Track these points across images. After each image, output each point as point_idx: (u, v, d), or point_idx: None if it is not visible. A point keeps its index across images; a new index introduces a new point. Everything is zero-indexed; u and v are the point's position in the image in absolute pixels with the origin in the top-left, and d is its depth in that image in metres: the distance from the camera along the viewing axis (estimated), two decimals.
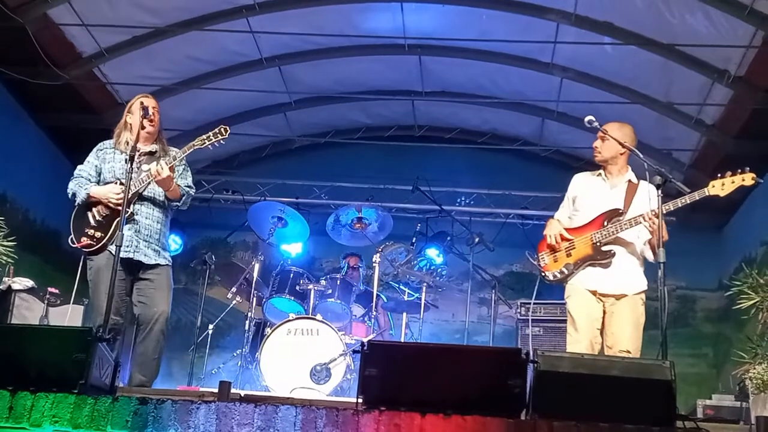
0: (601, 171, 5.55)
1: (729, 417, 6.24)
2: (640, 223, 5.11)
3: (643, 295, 5.27)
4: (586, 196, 5.50)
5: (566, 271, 5.31)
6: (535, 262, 5.47)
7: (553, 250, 5.38)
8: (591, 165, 5.73)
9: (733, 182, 5.04)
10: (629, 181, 5.45)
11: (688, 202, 5.00)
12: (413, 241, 8.46)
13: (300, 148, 11.08)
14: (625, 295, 5.21)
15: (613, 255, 5.23)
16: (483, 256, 8.84)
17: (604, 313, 5.24)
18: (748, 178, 5.04)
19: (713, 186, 5.05)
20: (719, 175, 5.08)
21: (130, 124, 5.59)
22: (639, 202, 5.35)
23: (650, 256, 5.28)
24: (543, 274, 5.42)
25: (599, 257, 5.24)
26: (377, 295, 7.70)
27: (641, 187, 5.41)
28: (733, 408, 6.51)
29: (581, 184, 5.60)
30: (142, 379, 5.31)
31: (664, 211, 4.83)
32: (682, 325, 10.06)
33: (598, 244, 5.24)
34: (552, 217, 5.67)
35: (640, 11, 7.66)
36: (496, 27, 8.36)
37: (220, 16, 8.29)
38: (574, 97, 8.86)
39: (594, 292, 5.24)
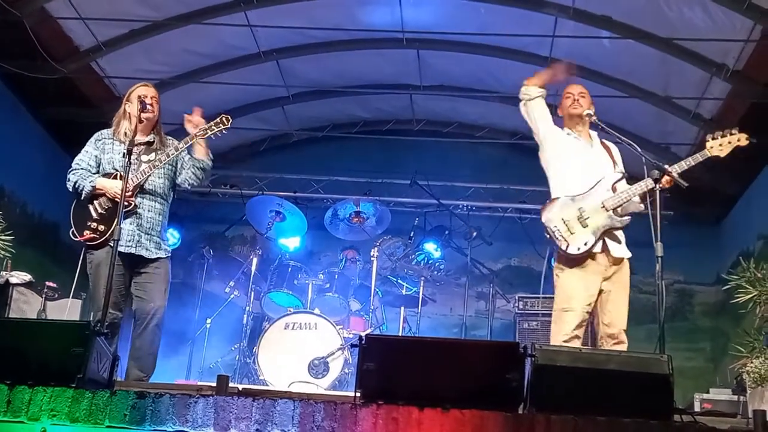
0: (569, 130, 5.50)
1: (726, 411, 6.25)
2: (651, 187, 4.96)
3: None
4: (569, 155, 5.40)
5: (589, 243, 5.07)
6: (549, 235, 5.17)
7: (564, 221, 5.12)
8: None
9: (729, 142, 5.06)
10: (598, 138, 5.49)
11: (693, 164, 4.98)
12: (411, 235, 8.48)
13: (298, 142, 11.07)
14: (623, 260, 5.18)
15: (629, 220, 5.16)
16: (481, 250, 8.85)
17: (600, 292, 5.14)
18: (742, 138, 5.08)
19: (711, 147, 5.06)
20: (711, 135, 5.10)
21: (129, 113, 5.57)
22: (618, 160, 5.41)
23: (642, 208, 5.16)
24: (564, 247, 5.11)
25: (618, 224, 5.14)
26: (375, 290, 7.72)
27: (610, 146, 5.49)
28: (730, 402, 6.53)
29: (560, 134, 5.50)
30: (139, 374, 5.30)
31: (656, 177, 4.81)
32: (680, 319, 10.08)
33: (612, 211, 5.12)
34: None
35: (638, 5, 7.66)
36: (494, 21, 8.35)
37: (218, 10, 8.26)
38: None
39: (604, 253, 5.12)
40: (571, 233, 5.13)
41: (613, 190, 5.20)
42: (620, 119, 8.44)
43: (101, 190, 5.43)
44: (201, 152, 5.61)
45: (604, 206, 5.15)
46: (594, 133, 5.49)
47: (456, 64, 9.34)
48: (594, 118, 5.29)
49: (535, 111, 5.57)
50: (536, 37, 8.46)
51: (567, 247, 5.12)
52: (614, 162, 5.34)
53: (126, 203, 5.15)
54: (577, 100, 5.43)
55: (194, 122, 5.55)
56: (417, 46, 9.07)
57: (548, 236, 5.20)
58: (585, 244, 5.10)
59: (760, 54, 7.44)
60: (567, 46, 8.47)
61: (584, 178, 5.28)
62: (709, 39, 7.58)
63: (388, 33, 8.81)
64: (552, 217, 5.21)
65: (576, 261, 5.15)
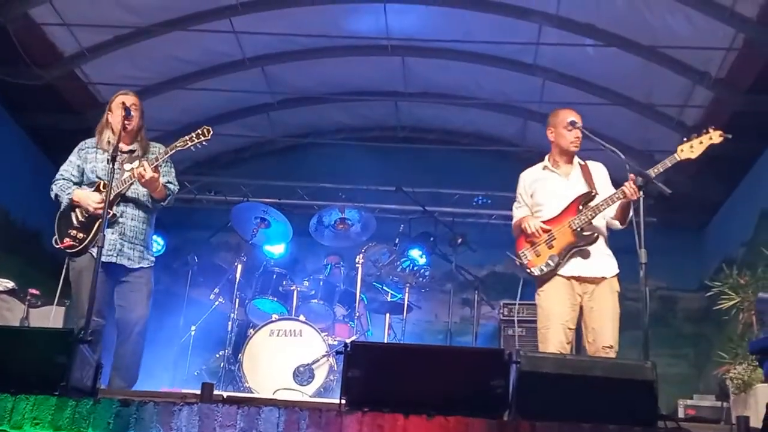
0: (546, 164, 5.54)
1: (710, 417, 6.29)
2: (618, 200, 5.08)
3: (617, 279, 5.26)
4: (544, 190, 5.46)
5: (552, 263, 5.20)
6: (517, 261, 5.35)
7: (533, 244, 5.29)
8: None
9: (701, 142, 4.98)
10: (579, 163, 5.49)
11: (662, 170, 4.94)
12: (396, 241, 8.46)
13: (283, 149, 11.07)
14: (604, 279, 5.20)
15: (597, 237, 5.22)
16: (466, 257, 8.85)
17: (582, 309, 5.21)
18: (715, 136, 4.98)
19: (682, 150, 4.99)
20: (685, 138, 5.05)
21: (111, 123, 5.57)
22: (598, 181, 5.41)
23: (619, 226, 5.27)
24: (528, 270, 5.28)
25: (583, 242, 5.20)
26: (360, 297, 7.71)
27: (592, 167, 5.48)
28: (714, 408, 6.56)
29: (533, 179, 5.55)
30: (121, 384, 5.29)
31: (640, 184, 4.81)
32: (663, 326, 10.10)
33: (579, 230, 5.19)
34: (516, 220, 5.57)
35: (621, 13, 7.70)
36: (479, 28, 8.38)
37: (203, 16, 8.25)
38: (557, 98, 8.88)
39: (578, 278, 5.19)
40: (537, 256, 5.27)
41: (584, 209, 5.25)
42: (603, 126, 8.47)
43: (77, 202, 5.43)
44: (155, 192, 5.52)
45: (569, 226, 5.22)
46: (576, 160, 5.51)
47: (441, 71, 9.37)
48: (579, 125, 5.30)
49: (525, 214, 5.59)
50: (521, 45, 8.51)
51: (530, 269, 5.28)
52: (591, 185, 5.37)
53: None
54: (579, 138, 5.40)
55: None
56: (402, 53, 9.09)
57: (517, 263, 5.35)
58: (548, 264, 5.22)
59: (742, 62, 7.50)
60: (551, 53, 8.53)
61: (557, 203, 5.36)
62: (692, 47, 7.64)
63: (373, 40, 8.83)
64: (522, 243, 5.38)
65: (550, 281, 5.25)
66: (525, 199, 5.57)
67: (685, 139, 5.04)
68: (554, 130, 5.47)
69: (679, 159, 4.98)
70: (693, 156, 4.98)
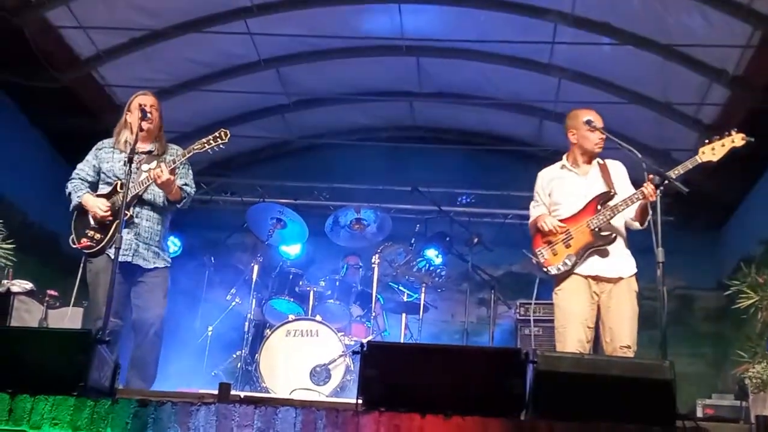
0: (565, 163, 5.53)
1: (729, 416, 6.26)
2: (637, 200, 5.08)
3: (635, 278, 5.26)
4: (562, 189, 5.47)
5: (569, 263, 5.20)
6: (534, 260, 5.35)
7: (550, 243, 5.29)
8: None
9: (723, 145, 4.95)
10: (598, 162, 5.47)
11: (682, 172, 4.93)
12: (412, 242, 8.47)
13: (298, 150, 11.08)
14: (622, 279, 5.19)
15: (615, 237, 5.21)
16: (482, 257, 8.83)
17: (599, 308, 5.21)
18: (738, 139, 4.94)
19: (703, 152, 4.97)
20: (707, 140, 5.02)
21: (130, 123, 5.60)
22: (617, 180, 5.39)
23: (638, 226, 5.26)
24: (545, 269, 5.29)
25: (601, 242, 5.19)
26: (376, 297, 7.72)
27: (611, 166, 5.46)
28: (732, 407, 6.53)
29: (551, 178, 5.56)
30: (139, 384, 5.30)
31: (657, 183, 4.80)
32: (681, 325, 10.05)
33: (597, 230, 5.19)
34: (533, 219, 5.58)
35: (637, 11, 7.66)
36: (494, 28, 8.35)
37: (218, 18, 8.27)
38: (572, 97, 8.84)
39: (596, 278, 5.19)
40: (554, 255, 5.27)
41: (602, 209, 5.24)
42: (620, 125, 8.42)
43: (84, 206, 5.47)
44: (171, 194, 5.55)
45: (588, 226, 5.21)
46: (595, 159, 5.50)
47: (456, 71, 9.35)
48: (594, 123, 5.28)
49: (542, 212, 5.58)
50: (536, 44, 8.48)
51: (547, 268, 5.28)
52: (609, 185, 5.35)
53: (109, 217, 5.20)
54: (603, 139, 5.38)
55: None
56: (416, 54, 9.08)
57: (534, 261, 5.35)
58: (565, 264, 5.22)
59: (759, 59, 7.44)
60: (566, 52, 8.49)
61: (575, 202, 5.36)
62: (709, 45, 7.59)
63: (387, 41, 8.82)
64: (539, 241, 5.38)
65: (567, 280, 5.25)
66: (542, 198, 5.56)
67: (706, 141, 5.01)
68: (576, 132, 5.45)
69: (700, 161, 4.96)
70: (714, 159, 4.95)
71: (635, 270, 5.26)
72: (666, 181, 4.78)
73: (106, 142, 5.71)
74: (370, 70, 9.50)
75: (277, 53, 9.08)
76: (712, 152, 4.95)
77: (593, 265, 5.21)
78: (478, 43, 8.73)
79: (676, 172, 4.90)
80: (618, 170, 5.47)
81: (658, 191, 4.76)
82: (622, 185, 5.38)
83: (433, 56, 9.14)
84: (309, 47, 9.00)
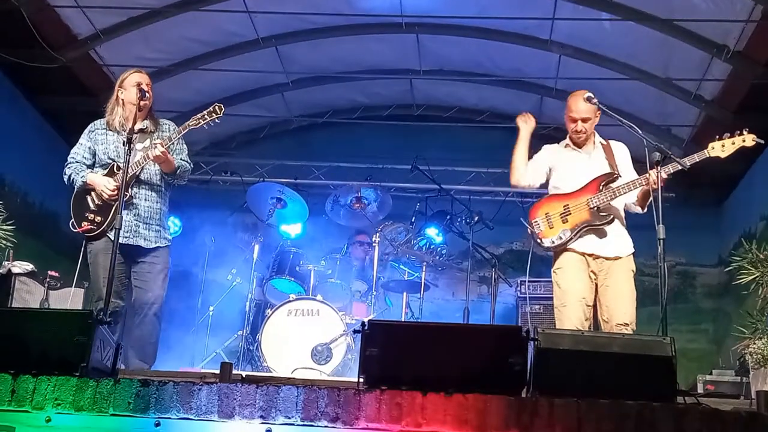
0: (568, 141, 5.53)
1: (729, 392, 6.27)
2: (640, 186, 5.09)
3: (632, 258, 5.26)
4: (565, 168, 5.47)
5: (563, 237, 5.21)
6: (529, 229, 5.34)
7: (547, 215, 5.28)
8: None
9: (733, 143, 4.98)
10: (601, 143, 5.47)
11: (688, 164, 4.93)
12: (413, 220, 8.46)
13: (298, 129, 11.04)
14: (619, 258, 5.20)
15: (613, 219, 5.21)
16: (483, 235, 8.82)
17: (596, 287, 5.21)
18: (748, 139, 4.97)
19: (713, 147, 5.00)
20: (718, 136, 5.03)
21: (123, 100, 5.55)
22: (621, 162, 5.39)
23: (639, 210, 5.29)
24: (539, 240, 5.30)
25: (598, 222, 5.20)
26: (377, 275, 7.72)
27: (614, 147, 5.46)
28: (733, 383, 6.54)
29: (555, 156, 5.56)
30: (140, 364, 5.32)
31: (664, 175, 4.85)
32: (682, 301, 10.07)
33: (596, 208, 5.19)
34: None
35: None
36: (493, 4, 8.30)
37: None
38: (573, 73, 8.81)
39: (592, 255, 5.19)
40: (550, 228, 5.27)
41: (604, 189, 5.23)
42: (621, 101, 8.42)
43: (91, 185, 5.45)
44: (165, 167, 5.52)
45: (587, 204, 5.22)
46: (596, 138, 5.49)
47: (455, 48, 9.30)
48: (595, 100, 5.26)
49: (530, 181, 5.58)
50: (536, 20, 8.42)
51: (541, 240, 5.29)
52: (613, 165, 5.34)
53: (117, 196, 5.18)
54: (581, 131, 5.37)
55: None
56: (416, 31, 9.01)
57: (529, 231, 5.35)
58: (560, 238, 5.22)
59: (760, 34, 7.40)
60: (567, 28, 8.44)
61: (578, 180, 5.35)
62: (710, 20, 7.54)
63: (387, 18, 8.76)
64: (537, 212, 5.37)
65: (564, 257, 5.26)
66: (538, 165, 5.55)
67: (717, 137, 5.02)
68: (565, 116, 5.49)
69: (708, 156, 4.99)
70: (722, 155, 4.99)
71: (633, 249, 5.27)
72: (666, 159, 4.78)
73: (98, 123, 5.65)
74: (369, 47, 9.45)
75: (276, 31, 9.02)
76: (722, 149, 4.99)
77: (590, 243, 5.22)
78: (478, 20, 8.67)
79: (683, 163, 4.90)
80: (621, 152, 5.46)
81: (659, 169, 4.77)
82: (625, 167, 5.37)
83: (432, 33, 9.08)
84: (307, 25, 8.94)
